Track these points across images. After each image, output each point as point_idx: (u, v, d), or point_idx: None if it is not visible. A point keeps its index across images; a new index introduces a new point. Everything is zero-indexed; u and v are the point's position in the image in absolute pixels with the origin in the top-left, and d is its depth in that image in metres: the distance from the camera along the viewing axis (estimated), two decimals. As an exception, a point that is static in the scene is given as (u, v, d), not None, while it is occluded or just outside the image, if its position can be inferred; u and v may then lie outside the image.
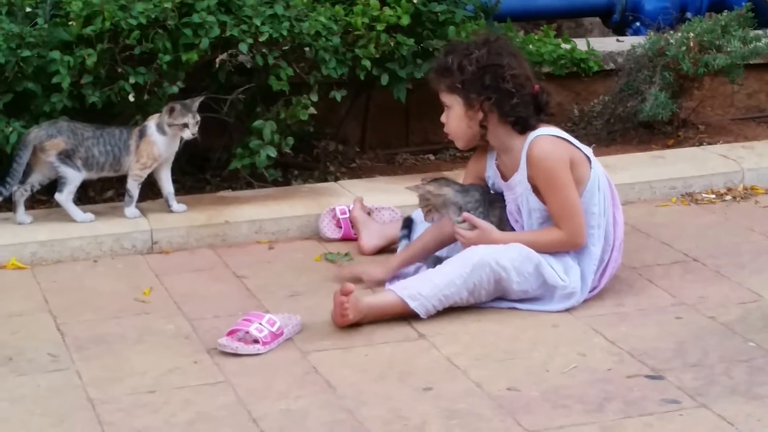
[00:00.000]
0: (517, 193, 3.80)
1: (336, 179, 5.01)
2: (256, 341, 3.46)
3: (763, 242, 4.36)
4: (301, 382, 3.29)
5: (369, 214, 4.45)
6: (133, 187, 4.41)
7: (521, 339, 3.55)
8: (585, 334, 3.58)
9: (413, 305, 3.64)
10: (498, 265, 3.67)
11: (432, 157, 5.45)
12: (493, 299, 3.74)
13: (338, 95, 4.82)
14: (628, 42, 5.83)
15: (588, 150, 3.82)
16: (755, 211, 4.75)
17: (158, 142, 4.36)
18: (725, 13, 5.57)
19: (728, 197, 4.90)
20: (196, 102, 4.40)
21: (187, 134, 4.37)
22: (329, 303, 3.75)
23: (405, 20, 4.84)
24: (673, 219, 4.66)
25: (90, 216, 4.39)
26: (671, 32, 5.56)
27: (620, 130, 5.55)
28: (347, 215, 4.41)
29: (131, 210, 4.42)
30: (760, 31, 5.58)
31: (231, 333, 3.49)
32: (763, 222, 4.57)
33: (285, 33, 4.55)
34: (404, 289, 3.67)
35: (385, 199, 4.56)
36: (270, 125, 4.64)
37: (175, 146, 4.44)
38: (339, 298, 3.58)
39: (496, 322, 3.67)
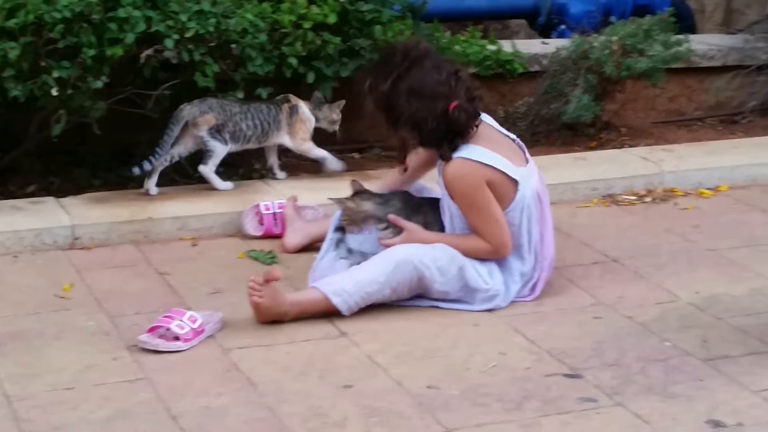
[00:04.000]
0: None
1: (261, 177, 5.00)
2: (177, 338, 3.45)
3: (681, 243, 4.44)
4: (222, 379, 3.28)
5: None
6: (312, 149, 4.87)
7: (442, 337, 3.57)
8: (505, 333, 3.62)
9: (336, 301, 3.65)
10: (422, 263, 3.69)
11: (357, 155, 5.45)
12: (414, 297, 3.77)
13: (264, 92, 4.81)
14: (553, 44, 5.89)
15: (518, 173, 3.76)
16: (674, 212, 4.83)
17: (311, 121, 4.77)
18: (648, 17, 5.65)
19: (648, 199, 4.97)
20: None
21: (335, 128, 4.88)
22: (252, 300, 3.78)
23: (332, 19, 4.84)
24: (594, 220, 4.72)
25: (230, 184, 4.68)
26: (595, 35, 5.63)
27: (544, 131, 5.61)
28: (271, 211, 4.41)
29: (334, 162, 4.92)
30: (681, 36, 5.67)
31: (152, 330, 3.48)
32: (682, 223, 4.65)
33: (211, 29, 4.53)
34: (327, 285, 3.69)
35: (309, 197, 4.56)
36: (195, 122, 4.63)
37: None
38: (250, 279, 3.59)
39: (418, 320, 3.69)
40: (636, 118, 6.05)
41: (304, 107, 4.80)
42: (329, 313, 3.68)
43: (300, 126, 4.77)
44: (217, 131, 4.60)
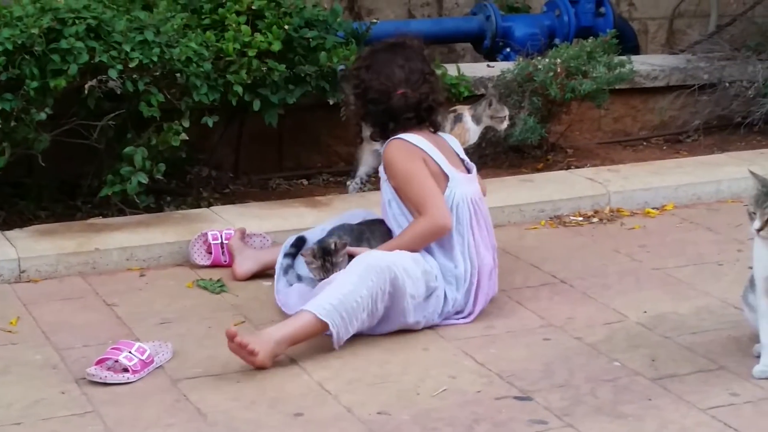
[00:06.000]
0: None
1: (209, 205, 4.99)
2: (125, 370, 3.43)
3: (628, 263, 4.47)
4: (171, 410, 3.26)
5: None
6: None
7: (392, 362, 3.57)
8: (455, 356, 3.63)
9: (311, 308, 3.57)
10: (393, 264, 3.67)
11: (305, 182, 5.47)
12: (389, 320, 3.74)
13: (210, 121, 4.81)
14: (498, 67, 5.92)
15: (452, 170, 3.89)
16: (621, 232, 4.86)
17: (471, 130, 4.74)
18: (591, 39, 5.70)
19: (595, 219, 5.00)
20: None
21: (503, 126, 4.85)
22: (201, 330, 3.76)
23: (276, 46, 4.86)
24: (542, 241, 4.75)
25: None
26: (539, 58, 5.67)
27: (491, 154, 5.64)
28: (219, 241, 4.39)
29: None
30: (624, 57, 5.73)
31: (100, 362, 3.45)
32: (628, 243, 4.69)
33: (155, 59, 4.52)
34: (304, 304, 3.63)
35: (257, 225, 4.56)
36: (141, 151, 4.61)
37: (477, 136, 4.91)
38: (232, 343, 3.47)
39: (368, 346, 3.68)
40: (582, 139, 6.11)
41: (467, 116, 4.86)
42: (321, 332, 3.59)
43: (459, 133, 4.68)
44: None
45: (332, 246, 3.84)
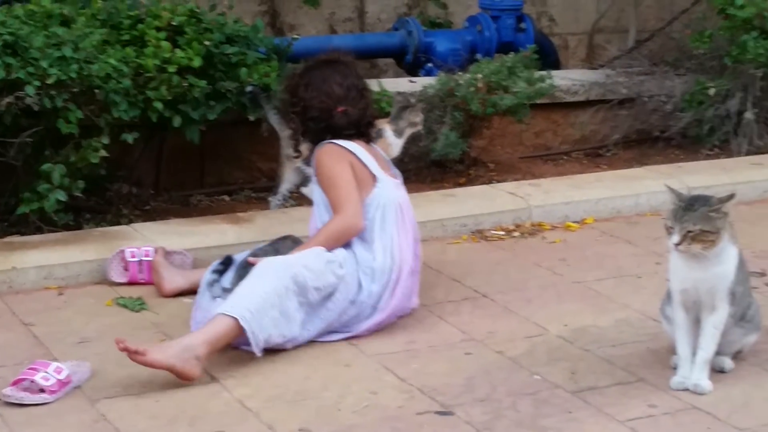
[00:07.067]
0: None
1: (129, 222, 4.93)
2: (42, 390, 3.38)
3: (549, 277, 4.50)
4: (89, 430, 3.23)
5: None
6: None
7: (313, 378, 3.56)
8: (377, 372, 3.62)
9: (219, 309, 3.62)
10: (287, 263, 3.76)
11: (227, 198, 5.44)
12: (306, 325, 3.77)
13: (130, 137, 4.76)
14: (420, 83, 5.95)
15: (380, 172, 3.98)
16: (542, 246, 4.90)
17: (393, 144, 4.75)
18: (512, 54, 5.74)
19: (516, 234, 5.03)
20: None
21: (419, 128, 4.94)
22: (120, 348, 3.72)
23: (197, 62, 4.83)
24: (464, 256, 4.76)
25: None
26: (461, 73, 5.70)
27: (414, 168, 5.65)
28: (137, 258, 4.35)
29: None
30: (544, 72, 5.77)
31: (16, 383, 3.40)
32: (550, 257, 4.72)
33: (74, 75, 4.47)
34: (216, 308, 3.68)
35: (178, 242, 4.52)
36: (59, 168, 4.55)
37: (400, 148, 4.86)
38: (119, 346, 3.49)
39: (288, 362, 3.67)
40: (503, 153, 6.15)
41: (388, 131, 4.85)
42: (236, 334, 3.60)
43: (384, 148, 4.64)
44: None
45: None
